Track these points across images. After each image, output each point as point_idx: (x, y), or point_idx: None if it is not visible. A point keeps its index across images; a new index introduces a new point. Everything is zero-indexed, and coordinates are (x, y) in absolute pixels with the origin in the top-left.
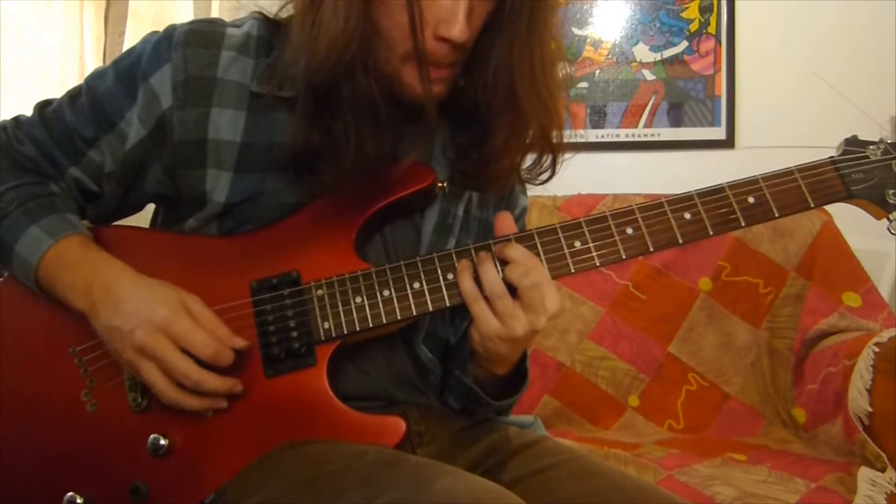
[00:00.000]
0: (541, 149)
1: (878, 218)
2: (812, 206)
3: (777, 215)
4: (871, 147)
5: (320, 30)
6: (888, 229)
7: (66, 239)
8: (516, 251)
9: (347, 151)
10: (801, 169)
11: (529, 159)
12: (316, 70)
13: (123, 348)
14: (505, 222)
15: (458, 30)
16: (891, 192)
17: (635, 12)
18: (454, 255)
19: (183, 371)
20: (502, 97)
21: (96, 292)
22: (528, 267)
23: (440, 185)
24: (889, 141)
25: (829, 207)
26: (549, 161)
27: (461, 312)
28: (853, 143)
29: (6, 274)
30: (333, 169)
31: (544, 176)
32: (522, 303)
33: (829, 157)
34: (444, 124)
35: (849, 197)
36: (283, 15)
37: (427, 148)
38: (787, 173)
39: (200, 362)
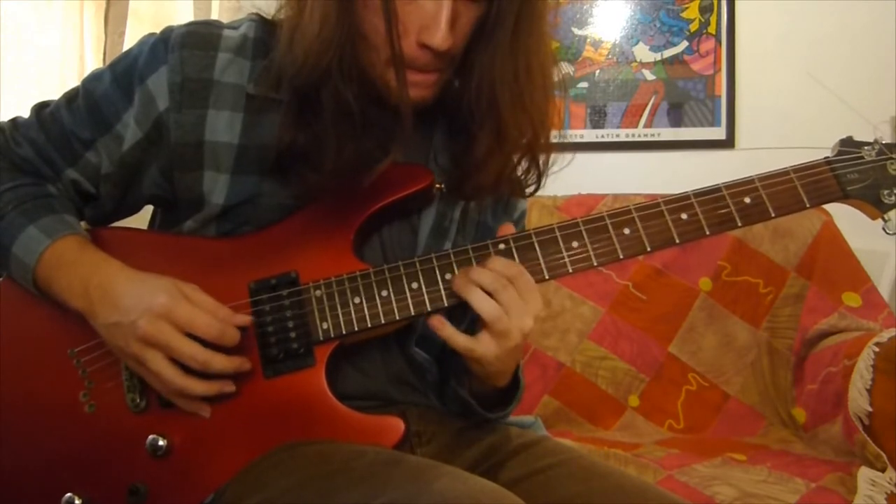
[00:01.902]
0: (526, 160)
1: (874, 218)
2: (808, 206)
3: (773, 215)
4: (865, 148)
5: (300, 34)
6: (883, 229)
7: (63, 239)
8: (494, 262)
9: (328, 154)
10: (797, 169)
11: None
12: (296, 74)
13: (127, 342)
14: (506, 232)
15: (439, 37)
16: (885, 192)
17: (635, 12)
18: (452, 256)
19: (190, 353)
20: (484, 107)
21: (93, 291)
22: (503, 277)
23: (438, 185)
24: (883, 142)
25: (828, 207)
26: (534, 175)
27: (458, 315)
28: (848, 144)
29: (4, 276)
30: (315, 171)
31: (530, 188)
32: (501, 304)
33: (825, 158)
34: (439, 129)
35: (844, 197)
36: (281, 16)
37: (423, 150)
38: (782, 174)
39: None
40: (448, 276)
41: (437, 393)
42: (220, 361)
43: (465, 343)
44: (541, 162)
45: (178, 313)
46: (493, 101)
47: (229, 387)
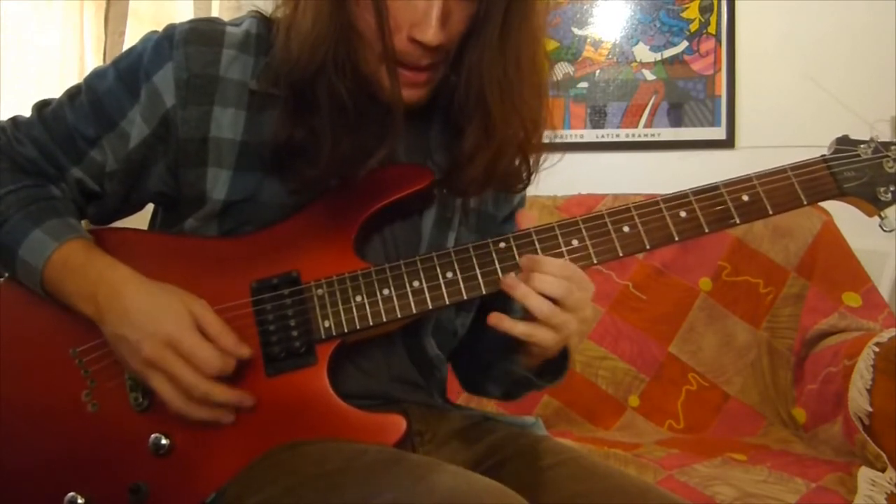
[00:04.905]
0: (516, 156)
1: (870, 215)
2: (805, 203)
3: (771, 213)
4: (861, 146)
5: (295, 31)
6: (880, 226)
7: (69, 243)
8: (551, 266)
9: (324, 149)
10: (794, 167)
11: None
12: (290, 70)
13: (131, 358)
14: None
15: (430, 34)
16: (881, 189)
17: (635, 12)
18: (453, 254)
19: (192, 384)
20: (473, 102)
21: (101, 299)
22: (563, 279)
23: None
24: (879, 140)
25: (828, 207)
26: (525, 172)
27: (466, 307)
28: (844, 142)
29: (6, 275)
30: (312, 166)
31: (520, 185)
32: (567, 308)
33: (822, 156)
34: (435, 127)
35: (841, 194)
36: (279, 14)
37: (422, 149)
38: (780, 171)
39: None
40: (449, 275)
41: (441, 390)
42: (218, 394)
43: (525, 329)
44: (531, 160)
45: (182, 345)
46: (481, 95)
47: (229, 416)
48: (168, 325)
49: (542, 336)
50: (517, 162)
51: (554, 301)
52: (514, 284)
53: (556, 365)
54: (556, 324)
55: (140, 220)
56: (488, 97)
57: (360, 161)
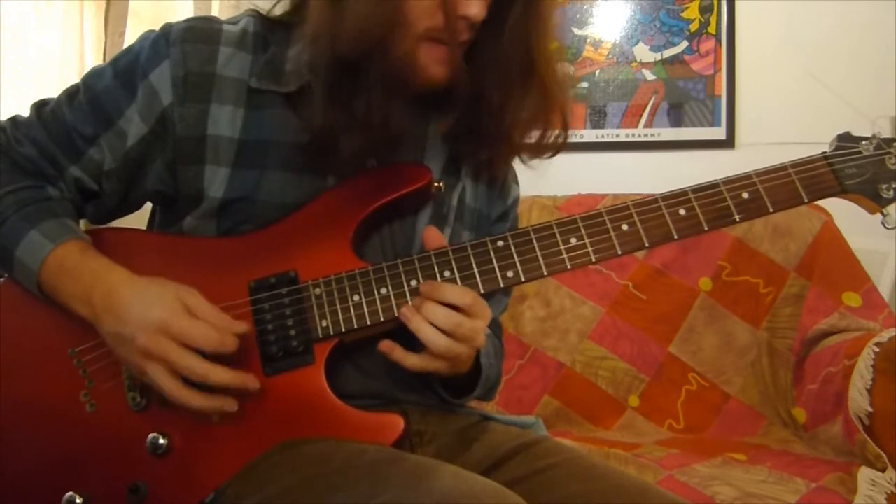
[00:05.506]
0: (546, 118)
1: (872, 212)
2: (806, 200)
3: (771, 210)
4: (863, 142)
5: (347, 9)
6: (882, 223)
7: (65, 244)
8: (445, 294)
9: (372, 125)
10: (795, 164)
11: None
12: (342, 47)
13: (129, 353)
14: (432, 235)
15: (476, 7)
16: (884, 186)
17: (635, 12)
18: (451, 253)
19: (188, 366)
20: (517, 67)
21: (97, 300)
22: (456, 309)
23: (437, 184)
24: (881, 137)
25: (829, 206)
26: (553, 135)
27: None
28: (846, 139)
29: (5, 276)
30: (357, 142)
31: (549, 151)
32: (457, 339)
33: (822, 153)
34: (434, 120)
35: (842, 191)
36: (277, 12)
37: (419, 143)
38: (780, 169)
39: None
40: (447, 274)
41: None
42: (218, 374)
43: (417, 362)
44: (566, 115)
45: (175, 327)
46: (528, 57)
47: (231, 405)
48: (158, 312)
49: (434, 367)
50: (545, 127)
51: (444, 332)
52: (409, 315)
53: (468, 380)
54: (450, 357)
55: (139, 219)
56: (537, 56)
57: (399, 141)
